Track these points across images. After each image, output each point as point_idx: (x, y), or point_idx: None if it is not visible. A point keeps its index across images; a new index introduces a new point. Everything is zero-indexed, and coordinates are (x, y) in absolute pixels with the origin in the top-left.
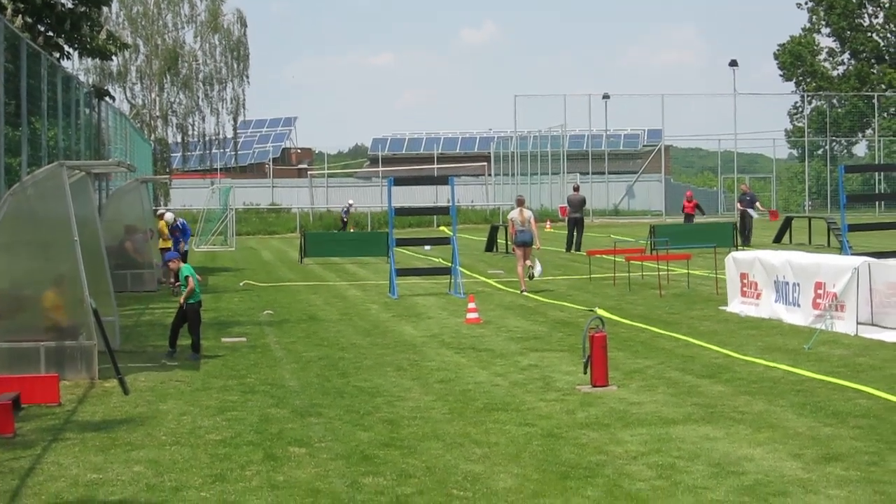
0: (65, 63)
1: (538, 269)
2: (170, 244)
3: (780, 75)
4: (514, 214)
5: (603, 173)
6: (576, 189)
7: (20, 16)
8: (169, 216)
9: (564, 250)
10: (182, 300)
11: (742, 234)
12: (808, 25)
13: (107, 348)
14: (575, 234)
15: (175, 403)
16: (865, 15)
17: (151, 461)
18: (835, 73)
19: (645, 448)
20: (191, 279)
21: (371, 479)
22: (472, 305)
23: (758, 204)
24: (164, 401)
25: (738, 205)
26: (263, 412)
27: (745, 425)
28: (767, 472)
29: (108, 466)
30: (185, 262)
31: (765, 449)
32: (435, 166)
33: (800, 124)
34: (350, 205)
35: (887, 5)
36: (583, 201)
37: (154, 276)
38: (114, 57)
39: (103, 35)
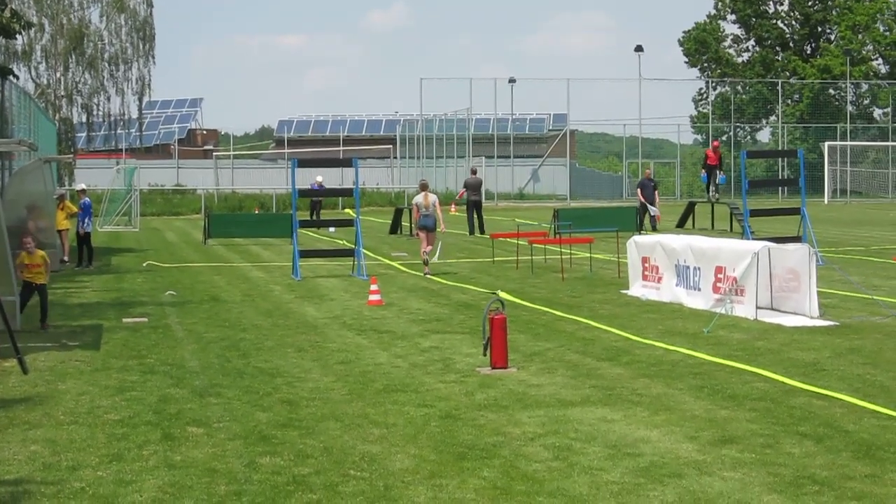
0: None
1: (437, 254)
2: (67, 225)
3: (685, 62)
4: (419, 199)
5: (508, 157)
6: (473, 172)
7: None
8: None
9: (468, 234)
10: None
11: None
12: (713, 12)
13: (6, 327)
14: (475, 216)
15: (74, 383)
16: (770, 2)
17: (49, 441)
18: (739, 59)
19: (542, 430)
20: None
21: (268, 460)
22: (374, 287)
23: (657, 199)
24: (63, 380)
25: (640, 192)
26: (163, 392)
27: (642, 407)
28: (663, 453)
29: (5, 446)
30: (88, 242)
31: (661, 431)
32: (340, 148)
33: (704, 110)
34: (318, 182)
35: None
36: (479, 183)
37: (57, 256)
38: (18, 36)
39: (7, 13)
